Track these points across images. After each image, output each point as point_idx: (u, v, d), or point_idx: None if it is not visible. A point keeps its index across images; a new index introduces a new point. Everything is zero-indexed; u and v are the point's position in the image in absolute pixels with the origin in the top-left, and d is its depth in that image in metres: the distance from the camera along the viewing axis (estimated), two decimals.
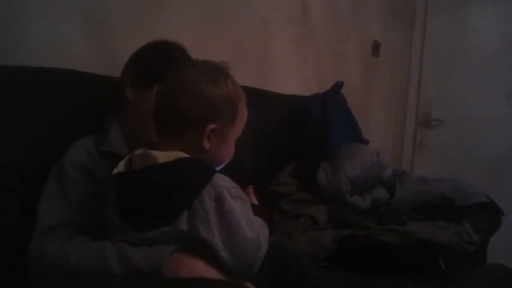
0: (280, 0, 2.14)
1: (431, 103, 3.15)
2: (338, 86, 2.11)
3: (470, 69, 2.97)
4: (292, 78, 2.27)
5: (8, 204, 1.04)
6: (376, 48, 2.90)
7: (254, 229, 0.86)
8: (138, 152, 0.89)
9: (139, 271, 0.80)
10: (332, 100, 2.05)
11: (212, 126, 0.89)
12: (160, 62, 1.12)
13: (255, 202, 1.06)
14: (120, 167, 0.89)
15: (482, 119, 2.92)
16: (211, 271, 0.82)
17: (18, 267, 0.93)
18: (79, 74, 1.22)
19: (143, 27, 1.49)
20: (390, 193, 1.84)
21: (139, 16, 1.50)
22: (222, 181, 0.84)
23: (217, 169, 0.93)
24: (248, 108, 0.97)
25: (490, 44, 2.92)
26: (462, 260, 1.46)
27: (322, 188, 1.72)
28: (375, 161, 1.80)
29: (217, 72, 0.93)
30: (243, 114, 0.96)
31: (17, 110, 1.08)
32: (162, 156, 0.84)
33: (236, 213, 0.84)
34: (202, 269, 0.82)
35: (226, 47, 1.85)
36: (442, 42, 3.09)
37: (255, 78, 1.98)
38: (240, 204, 0.86)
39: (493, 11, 2.93)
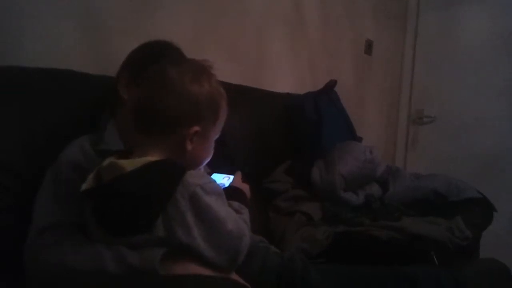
0: None
1: (424, 101, 3.16)
2: (332, 84, 2.12)
3: (462, 67, 2.99)
4: (286, 77, 2.29)
5: (4, 203, 1.04)
6: (369, 47, 2.92)
7: (233, 220, 0.85)
8: (105, 163, 0.85)
9: (133, 269, 0.80)
10: (325, 98, 2.06)
11: (197, 128, 0.87)
12: (154, 61, 1.13)
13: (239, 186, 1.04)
14: (89, 181, 0.85)
15: (474, 116, 2.93)
16: (205, 268, 0.83)
17: (16, 267, 0.93)
18: (76, 74, 1.23)
19: (139, 27, 1.50)
20: (383, 189, 1.86)
21: (135, 16, 1.51)
22: (193, 178, 0.82)
23: (197, 169, 0.91)
24: (228, 106, 0.95)
25: (482, 42, 2.94)
26: (455, 255, 1.48)
27: (316, 185, 1.73)
28: (368, 158, 1.82)
29: (200, 71, 0.91)
30: (223, 113, 0.94)
31: (13, 110, 1.09)
32: (129, 164, 0.81)
33: (214, 208, 0.82)
34: (196, 266, 0.82)
35: (220, 46, 1.86)
36: (434, 41, 3.10)
37: (250, 77, 1.99)
38: (215, 198, 0.83)
39: (485, 10, 2.94)
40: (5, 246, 1.00)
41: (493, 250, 1.80)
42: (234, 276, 0.87)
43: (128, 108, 1.12)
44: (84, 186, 0.84)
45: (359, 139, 2.14)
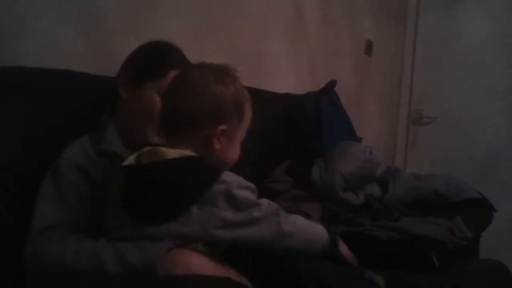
0: (274, 0, 2.15)
1: (423, 101, 3.17)
2: (332, 84, 2.12)
3: (462, 67, 2.99)
4: (287, 77, 2.29)
5: (4, 203, 1.04)
6: (369, 47, 2.91)
7: (267, 203, 0.92)
8: (146, 149, 0.89)
9: (133, 268, 0.81)
10: (325, 99, 2.07)
11: (223, 127, 0.91)
12: (153, 61, 1.14)
13: None
14: (130, 160, 0.89)
15: (474, 117, 2.94)
16: (205, 266, 0.83)
17: (16, 267, 0.93)
18: (75, 74, 1.23)
19: (139, 27, 1.50)
20: (383, 189, 1.86)
21: (135, 16, 1.51)
22: (229, 177, 0.87)
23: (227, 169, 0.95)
24: (252, 109, 0.99)
25: (482, 43, 2.94)
26: (455, 255, 1.48)
27: (316, 185, 1.73)
28: (368, 158, 1.82)
29: (224, 73, 0.95)
30: (248, 115, 0.98)
31: (12, 110, 1.09)
32: (171, 153, 0.86)
33: (250, 198, 0.89)
34: (196, 265, 0.83)
35: (221, 47, 1.86)
36: (434, 41, 3.10)
37: (250, 77, 1.97)
38: (249, 192, 0.90)
39: (484, 10, 2.94)
40: (5, 246, 1.00)
41: (493, 250, 1.80)
42: (237, 276, 0.87)
43: (128, 107, 1.14)
44: (124, 163, 0.88)
45: (359, 139, 2.14)
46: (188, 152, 0.87)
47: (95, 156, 1.07)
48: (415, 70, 3.20)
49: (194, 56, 1.21)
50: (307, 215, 1.64)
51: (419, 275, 1.21)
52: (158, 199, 0.84)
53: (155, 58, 1.15)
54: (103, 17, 1.41)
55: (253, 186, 0.92)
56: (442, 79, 3.07)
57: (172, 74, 1.11)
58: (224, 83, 0.92)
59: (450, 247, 1.46)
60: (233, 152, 0.97)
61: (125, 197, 0.88)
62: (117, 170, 0.91)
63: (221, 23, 1.87)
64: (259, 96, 1.90)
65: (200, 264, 0.83)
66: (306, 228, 1.01)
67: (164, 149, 0.86)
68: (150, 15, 1.56)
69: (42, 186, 1.02)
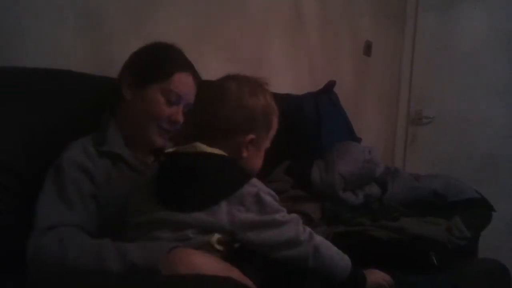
0: (273, 0, 2.15)
1: (422, 101, 3.17)
2: (331, 85, 2.13)
3: (461, 67, 3.00)
4: (286, 78, 2.29)
5: (4, 203, 1.04)
6: (368, 48, 2.92)
7: (286, 212, 0.96)
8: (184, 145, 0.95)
9: (135, 268, 0.81)
10: (325, 99, 2.07)
11: (252, 136, 0.96)
12: (156, 62, 1.15)
13: None
14: (170, 149, 0.96)
15: (473, 117, 2.94)
16: (208, 266, 0.83)
17: (16, 267, 0.93)
18: (74, 74, 1.23)
19: (138, 28, 1.50)
20: (382, 189, 1.86)
21: (134, 17, 1.51)
22: (258, 182, 0.93)
23: None
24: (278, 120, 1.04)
25: (481, 43, 2.94)
26: (454, 255, 1.48)
27: (316, 185, 1.73)
28: (367, 159, 1.82)
29: (256, 85, 1.00)
30: (275, 126, 1.03)
31: (12, 110, 1.09)
32: (210, 149, 0.92)
33: (274, 204, 0.93)
34: (198, 264, 0.83)
35: (220, 47, 1.86)
36: (433, 41, 3.11)
37: None
38: (273, 198, 0.94)
39: (483, 11, 2.95)
40: (5, 246, 1.00)
41: (492, 250, 1.81)
42: (240, 276, 0.87)
43: (131, 108, 1.14)
44: (167, 150, 0.96)
45: (358, 140, 2.14)
46: (223, 153, 0.93)
47: (97, 157, 1.07)
48: (414, 70, 3.20)
49: (194, 56, 1.22)
50: (307, 215, 1.65)
51: (419, 275, 1.22)
52: (193, 186, 0.89)
53: (157, 60, 1.15)
54: (103, 17, 1.41)
55: (274, 193, 0.96)
56: (441, 79, 3.08)
57: (175, 75, 1.12)
58: (256, 95, 0.98)
59: (450, 247, 1.46)
60: (258, 160, 1.02)
61: (159, 182, 0.93)
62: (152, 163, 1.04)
63: (221, 23, 1.87)
64: None
65: (202, 263, 0.83)
66: (326, 243, 1.02)
67: (204, 145, 0.92)
68: (150, 15, 1.56)
69: (44, 186, 1.02)
